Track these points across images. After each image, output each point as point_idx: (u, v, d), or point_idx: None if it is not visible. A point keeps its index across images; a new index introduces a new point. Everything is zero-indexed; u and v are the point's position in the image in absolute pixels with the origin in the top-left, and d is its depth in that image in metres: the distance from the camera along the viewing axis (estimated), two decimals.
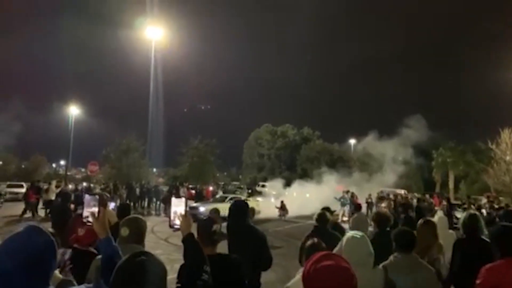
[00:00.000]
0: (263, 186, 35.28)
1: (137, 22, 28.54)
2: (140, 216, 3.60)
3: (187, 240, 2.39)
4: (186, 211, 2.62)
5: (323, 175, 30.59)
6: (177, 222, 2.60)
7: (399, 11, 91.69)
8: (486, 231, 4.93)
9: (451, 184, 41.95)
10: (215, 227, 3.07)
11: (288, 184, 33.41)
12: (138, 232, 3.27)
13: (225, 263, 3.11)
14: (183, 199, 2.76)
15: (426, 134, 33.41)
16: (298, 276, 2.50)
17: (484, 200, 22.10)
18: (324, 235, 4.05)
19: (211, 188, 31.47)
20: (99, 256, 3.19)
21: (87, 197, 2.57)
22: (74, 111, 37.77)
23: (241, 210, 4.33)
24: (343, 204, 20.46)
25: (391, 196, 25.74)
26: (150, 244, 5.15)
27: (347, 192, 22.14)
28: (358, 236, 3.27)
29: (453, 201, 23.57)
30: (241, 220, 4.28)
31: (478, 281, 2.98)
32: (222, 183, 41.47)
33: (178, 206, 2.74)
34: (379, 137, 33.94)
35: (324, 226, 5.12)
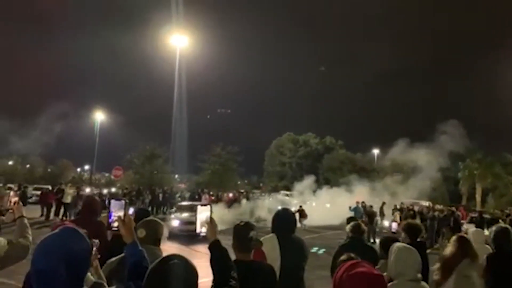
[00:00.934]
0: (286, 195, 35.01)
1: (163, 30, 29.09)
2: (157, 219, 3.59)
3: (214, 246, 2.36)
4: (212, 217, 2.59)
5: (351, 185, 30.17)
6: (203, 229, 2.57)
7: (427, 22, 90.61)
8: None
9: (478, 197, 40.77)
10: (252, 233, 3.03)
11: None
12: (155, 233, 3.26)
13: (258, 270, 3.05)
14: (209, 206, 2.73)
15: (462, 141, 31.47)
16: None
17: None
18: (359, 247, 3.91)
19: (230, 195, 31.53)
20: (113, 259, 3.19)
21: (113, 202, 2.57)
22: (100, 116, 38.59)
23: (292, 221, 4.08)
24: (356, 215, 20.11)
25: (416, 208, 25.22)
26: (172, 249, 5.13)
27: (362, 202, 21.75)
28: (410, 248, 3.19)
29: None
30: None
31: None
32: (243, 190, 41.48)
33: (203, 212, 2.71)
34: (407, 146, 33.04)
35: (360, 237, 4.89)
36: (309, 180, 33.04)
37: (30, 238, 3.10)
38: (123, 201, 2.54)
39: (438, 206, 26.29)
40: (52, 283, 1.71)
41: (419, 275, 3.07)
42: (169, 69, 28.88)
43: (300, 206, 22.90)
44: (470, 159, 40.79)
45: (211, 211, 2.71)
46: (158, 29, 29.08)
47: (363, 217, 18.62)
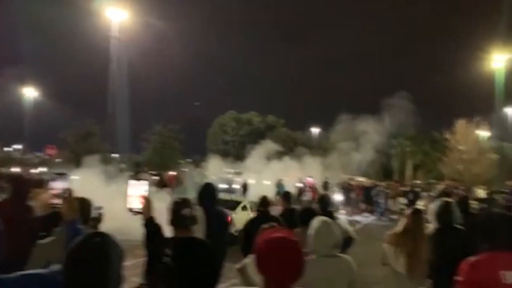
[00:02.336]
0: (229, 173, 35.22)
1: (98, 3, 27.42)
2: (87, 198, 3.49)
3: (149, 223, 2.35)
4: (147, 194, 2.55)
5: (285, 163, 30.86)
6: (136, 205, 2.52)
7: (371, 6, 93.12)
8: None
9: (408, 173, 43.57)
10: (186, 210, 2.97)
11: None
12: (84, 212, 3.18)
13: (195, 246, 3.03)
14: (145, 181, 2.66)
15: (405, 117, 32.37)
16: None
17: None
18: (265, 219, 4.07)
19: (174, 173, 31.05)
20: (47, 240, 3.05)
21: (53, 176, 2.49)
22: (31, 92, 36.18)
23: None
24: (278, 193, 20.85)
25: (353, 183, 26.44)
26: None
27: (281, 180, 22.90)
28: (327, 223, 3.30)
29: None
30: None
31: (459, 278, 2.64)
32: (185, 169, 41.08)
33: (137, 188, 2.64)
34: (348, 123, 33.89)
35: (266, 210, 5.43)
36: (254, 158, 33.30)
37: None
38: (65, 176, 2.44)
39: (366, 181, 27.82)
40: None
41: (334, 251, 3.20)
42: (108, 44, 27.49)
43: (245, 182, 23.91)
44: (402, 136, 43.23)
45: (148, 187, 2.65)
46: (92, 2, 27.36)
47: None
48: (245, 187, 25.00)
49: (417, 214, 4.32)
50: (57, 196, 2.33)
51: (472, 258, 2.66)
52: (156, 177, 30.11)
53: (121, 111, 30.92)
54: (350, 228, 6.86)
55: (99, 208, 4.94)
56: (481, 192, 22.05)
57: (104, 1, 26.95)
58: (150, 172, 31.41)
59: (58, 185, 2.37)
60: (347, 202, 22.99)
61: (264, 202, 5.49)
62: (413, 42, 79.69)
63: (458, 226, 4.45)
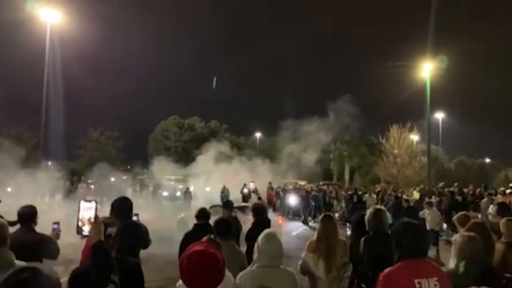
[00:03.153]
0: (171, 180, 34.58)
1: (31, 3, 25.84)
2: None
3: (97, 248, 2.26)
4: (96, 216, 2.44)
5: (233, 166, 30.81)
6: (86, 228, 2.42)
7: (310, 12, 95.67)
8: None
9: (347, 176, 45.32)
10: (109, 230, 2.87)
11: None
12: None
13: (125, 267, 2.96)
14: (94, 203, 2.55)
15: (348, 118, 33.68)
16: None
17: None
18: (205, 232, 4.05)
19: (112, 179, 30.07)
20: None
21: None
22: None
23: None
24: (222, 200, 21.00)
25: (290, 187, 26.92)
26: None
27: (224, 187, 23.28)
28: (270, 236, 3.36)
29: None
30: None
31: None
32: (125, 177, 39.77)
33: (87, 210, 2.53)
34: (291, 127, 34.46)
35: (207, 222, 5.30)
36: (199, 163, 32.92)
37: None
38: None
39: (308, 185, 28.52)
40: None
41: (277, 262, 3.25)
42: (40, 46, 26.00)
43: (187, 189, 23.75)
44: (339, 140, 44.87)
45: (96, 208, 2.56)
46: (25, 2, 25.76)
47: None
48: (187, 194, 24.86)
49: (328, 220, 4.59)
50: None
51: (388, 269, 2.74)
52: (93, 186, 28.96)
53: (55, 117, 29.35)
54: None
55: (57, 223, 4.62)
56: (415, 194, 23.33)
57: (38, 3, 25.50)
58: (89, 181, 30.11)
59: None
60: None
61: (202, 214, 5.38)
62: (349, 45, 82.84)
63: (388, 232, 4.68)
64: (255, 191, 21.97)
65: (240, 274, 3.22)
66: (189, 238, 4.88)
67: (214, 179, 27.44)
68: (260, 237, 3.33)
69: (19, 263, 2.58)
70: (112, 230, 2.85)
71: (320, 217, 4.91)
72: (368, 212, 4.74)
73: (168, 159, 35.60)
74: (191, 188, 27.24)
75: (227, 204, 6.97)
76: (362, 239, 4.52)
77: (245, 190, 22.88)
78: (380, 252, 4.05)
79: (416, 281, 2.60)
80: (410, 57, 33.06)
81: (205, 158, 31.82)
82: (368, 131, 43.59)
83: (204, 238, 2.59)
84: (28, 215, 4.47)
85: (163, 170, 33.71)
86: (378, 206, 5.09)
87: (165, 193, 30.74)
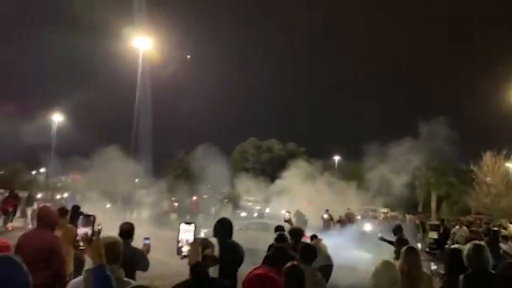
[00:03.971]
0: (249, 201, 35.07)
1: (125, 32, 28.33)
2: (115, 236, 3.45)
3: (196, 269, 2.31)
4: (195, 238, 2.53)
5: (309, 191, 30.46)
6: (185, 249, 2.51)
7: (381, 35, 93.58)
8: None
9: (433, 204, 42.44)
10: (207, 251, 2.97)
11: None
12: (115, 253, 3.08)
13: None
14: (193, 225, 2.64)
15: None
16: None
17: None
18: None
19: (194, 198, 31.22)
20: (77, 279, 3.01)
21: (81, 218, 2.39)
22: (57, 118, 37.19)
23: None
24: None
25: (371, 214, 25.89)
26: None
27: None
28: (389, 264, 3.42)
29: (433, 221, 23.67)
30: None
31: None
32: (205, 196, 41.08)
33: (186, 232, 2.63)
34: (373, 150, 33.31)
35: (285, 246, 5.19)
36: (274, 186, 33.04)
37: None
38: (91, 217, 2.37)
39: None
40: None
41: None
42: (133, 73, 28.29)
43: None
44: (425, 167, 42.38)
45: (194, 230, 2.64)
46: (120, 31, 28.28)
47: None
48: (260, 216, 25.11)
49: (412, 254, 4.32)
50: (83, 238, 2.25)
51: None
52: (176, 203, 30.29)
53: (144, 138, 31.41)
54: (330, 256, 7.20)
55: (148, 238, 4.99)
56: (511, 227, 21.29)
57: (131, 30, 27.85)
58: (172, 198, 31.59)
59: (84, 229, 2.30)
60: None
61: (280, 238, 5.33)
62: (439, 68, 79.05)
63: (490, 270, 4.20)
64: (289, 221, 21.39)
65: None
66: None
67: (295, 201, 27.23)
68: (377, 266, 3.41)
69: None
70: (209, 251, 2.97)
71: (403, 250, 4.61)
72: (468, 247, 4.35)
73: (250, 180, 36.13)
74: (267, 210, 27.33)
75: (292, 232, 6.08)
76: (462, 277, 4.17)
77: (325, 216, 22.40)
78: None
79: None
80: (507, 77, 30.64)
81: (286, 180, 31.74)
82: (457, 157, 40.72)
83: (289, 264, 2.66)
84: (127, 230, 4.86)
85: (243, 191, 34.28)
86: (478, 242, 4.61)
87: (243, 214, 31.19)
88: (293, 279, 2.79)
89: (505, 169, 33.24)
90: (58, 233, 4.71)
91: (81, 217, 2.41)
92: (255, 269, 2.42)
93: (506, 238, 12.14)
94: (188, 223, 2.65)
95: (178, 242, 2.55)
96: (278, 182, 32.65)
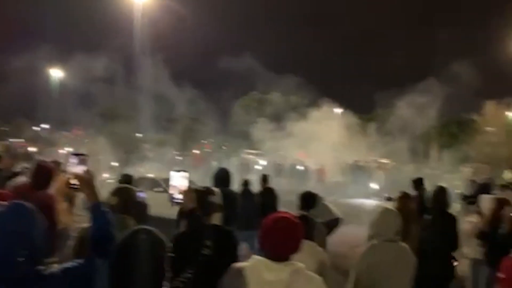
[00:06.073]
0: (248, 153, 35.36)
1: None
2: (130, 186, 3.55)
3: (190, 215, 2.39)
4: (189, 186, 2.60)
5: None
6: (178, 196, 2.57)
7: None
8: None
9: (434, 155, 42.70)
10: (211, 198, 3.08)
11: None
12: (125, 201, 3.17)
13: (221, 234, 3.14)
14: (185, 173, 2.69)
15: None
16: None
17: None
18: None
19: (197, 152, 31.53)
20: (86, 225, 3.12)
21: (71, 157, 2.25)
22: (58, 73, 36.84)
23: None
24: None
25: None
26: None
27: None
28: (391, 210, 3.53)
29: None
30: None
31: (502, 275, 2.72)
32: (208, 150, 41.43)
33: (179, 179, 2.67)
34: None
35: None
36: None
37: None
38: (83, 156, 2.23)
39: None
40: (5, 268, 1.62)
41: (397, 236, 3.39)
42: (130, 23, 27.65)
43: None
44: (426, 118, 42.19)
45: (187, 177, 2.67)
46: None
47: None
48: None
49: (406, 198, 4.82)
50: (76, 177, 2.11)
51: None
52: (180, 158, 30.63)
53: (146, 92, 31.24)
54: (336, 210, 7.65)
55: (141, 192, 5.09)
56: (507, 174, 21.69)
57: None
58: (174, 152, 31.89)
59: (77, 168, 2.16)
60: None
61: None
62: (440, 20, 76.83)
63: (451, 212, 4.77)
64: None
65: (366, 249, 3.45)
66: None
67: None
68: (379, 212, 3.50)
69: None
70: (213, 198, 3.06)
71: (397, 195, 5.12)
72: (433, 190, 4.91)
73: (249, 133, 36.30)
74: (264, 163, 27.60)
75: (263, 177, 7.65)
76: (427, 217, 4.76)
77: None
78: (441, 231, 4.43)
79: None
80: (509, 27, 29.83)
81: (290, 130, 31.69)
82: (460, 109, 40.52)
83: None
84: (126, 182, 4.96)
85: (243, 144, 34.50)
86: (441, 184, 5.21)
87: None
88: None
89: (506, 118, 33.18)
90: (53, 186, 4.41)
91: (72, 156, 2.26)
92: (279, 212, 2.43)
93: (506, 187, 12.03)
94: (179, 170, 2.65)
95: (170, 189, 2.59)
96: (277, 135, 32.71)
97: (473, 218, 5.21)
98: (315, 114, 31.94)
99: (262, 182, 7.91)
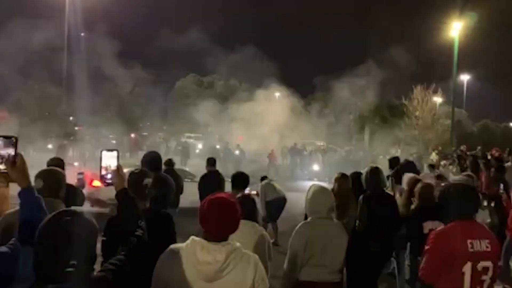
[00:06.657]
0: (190, 137, 34.95)
1: None
2: (58, 168, 3.38)
3: (122, 195, 2.29)
4: (119, 164, 2.48)
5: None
6: (109, 176, 2.46)
7: None
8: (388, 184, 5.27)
9: (366, 137, 44.88)
10: (146, 180, 3.04)
11: None
12: (54, 184, 3.06)
13: (158, 217, 3.09)
14: (115, 152, 2.57)
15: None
16: None
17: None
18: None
19: (133, 135, 30.71)
20: (12, 210, 2.94)
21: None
22: None
23: None
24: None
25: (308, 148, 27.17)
26: None
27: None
28: (324, 188, 3.59)
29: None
30: None
31: (428, 246, 2.73)
32: (145, 133, 40.33)
33: (109, 158, 2.55)
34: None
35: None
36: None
37: None
38: (12, 138, 2.07)
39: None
40: None
41: (331, 214, 3.48)
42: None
43: None
44: (360, 101, 44.12)
45: (118, 157, 2.58)
46: None
47: None
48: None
49: (343, 179, 4.97)
50: (4, 160, 1.98)
51: (439, 228, 2.80)
52: (114, 141, 29.50)
53: (79, 73, 29.52)
54: (282, 189, 8.09)
55: (81, 173, 4.92)
56: (433, 156, 23.18)
57: None
58: (110, 136, 30.69)
59: (4, 151, 2.02)
60: None
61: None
62: (374, 7, 79.84)
63: (386, 190, 4.94)
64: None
65: (300, 225, 3.55)
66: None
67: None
68: (312, 191, 3.54)
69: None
70: (148, 181, 3.00)
71: (336, 175, 5.27)
72: (365, 170, 4.90)
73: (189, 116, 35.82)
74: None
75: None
76: (361, 197, 4.66)
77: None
78: (379, 211, 4.41)
79: (468, 241, 2.62)
80: (439, 16, 31.76)
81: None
82: (391, 94, 42.74)
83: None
84: (57, 166, 4.71)
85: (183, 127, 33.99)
86: (374, 165, 5.16)
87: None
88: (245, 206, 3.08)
89: (432, 103, 35.46)
90: None
91: None
92: (216, 193, 2.40)
93: (433, 167, 13.07)
94: (111, 150, 2.55)
95: (100, 169, 2.47)
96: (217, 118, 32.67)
97: (397, 196, 5.51)
98: (257, 96, 32.04)
99: (207, 166, 8.03)
